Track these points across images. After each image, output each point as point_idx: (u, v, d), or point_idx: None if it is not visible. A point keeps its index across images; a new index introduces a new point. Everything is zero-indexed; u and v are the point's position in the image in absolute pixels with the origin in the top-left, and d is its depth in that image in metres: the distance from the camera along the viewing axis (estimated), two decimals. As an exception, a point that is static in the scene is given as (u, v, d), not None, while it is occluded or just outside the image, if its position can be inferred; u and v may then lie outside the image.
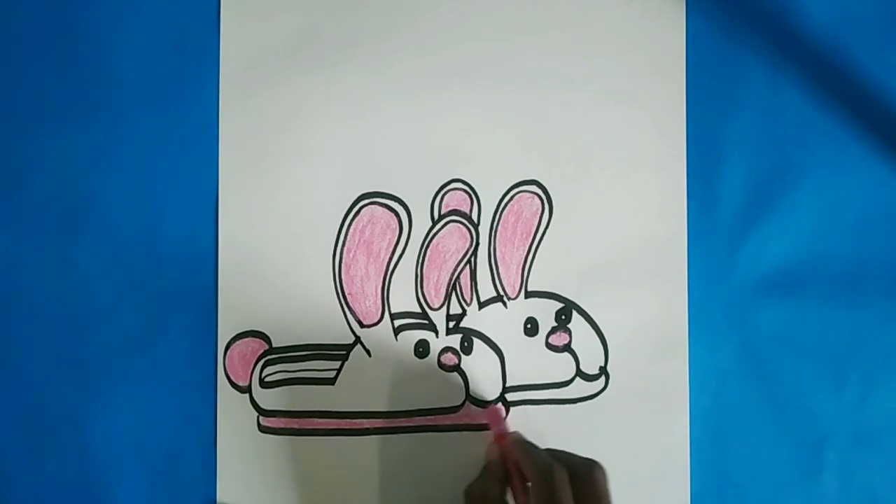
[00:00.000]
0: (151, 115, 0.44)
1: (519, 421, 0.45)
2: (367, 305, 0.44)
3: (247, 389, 0.44)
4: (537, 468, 0.39)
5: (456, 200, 0.45)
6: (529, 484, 0.40)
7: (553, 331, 0.45)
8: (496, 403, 0.45)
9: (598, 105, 0.46)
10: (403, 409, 0.44)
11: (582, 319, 0.45)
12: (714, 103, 0.46)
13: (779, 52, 0.46)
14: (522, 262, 0.45)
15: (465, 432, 0.45)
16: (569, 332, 0.45)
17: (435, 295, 0.45)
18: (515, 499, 0.41)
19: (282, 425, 0.44)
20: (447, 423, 0.45)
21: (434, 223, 0.45)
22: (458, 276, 0.45)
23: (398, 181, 0.45)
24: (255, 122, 0.44)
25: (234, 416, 0.44)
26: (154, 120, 0.44)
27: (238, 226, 0.44)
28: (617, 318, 0.46)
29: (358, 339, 0.44)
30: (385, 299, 0.44)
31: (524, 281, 0.45)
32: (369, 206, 0.45)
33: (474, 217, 0.45)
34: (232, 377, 0.44)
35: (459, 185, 0.45)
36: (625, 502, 0.45)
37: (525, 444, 0.42)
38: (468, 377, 0.45)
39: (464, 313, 0.45)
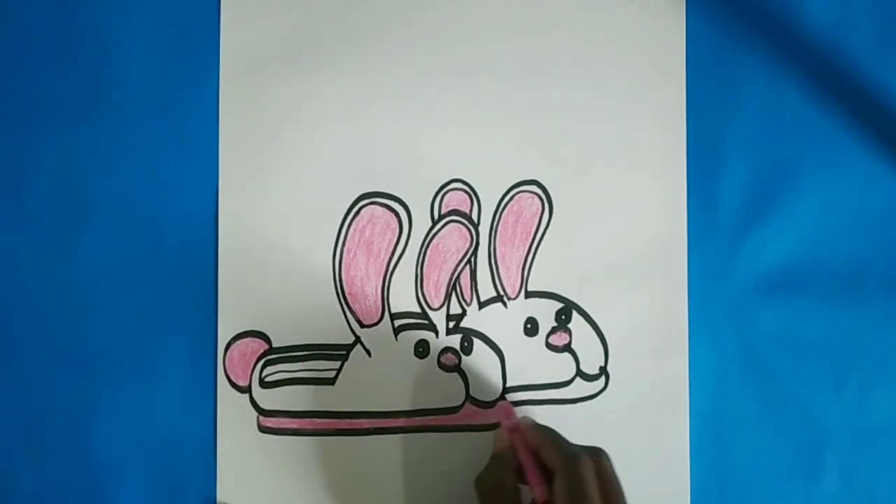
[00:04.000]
0: (151, 115, 0.44)
1: (519, 421, 0.45)
2: (367, 305, 0.44)
3: (247, 389, 0.44)
4: (564, 457, 0.37)
5: (456, 200, 0.45)
6: (556, 473, 0.38)
7: (553, 331, 0.45)
8: (502, 401, 0.44)
9: (599, 105, 0.46)
10: (403, 409, 0.44)
11: (582, 319, 0.45)
12: (714, 103, 0.46)
13: (779, 52, 0.46)
14: (522, 262, 0.45)
15: (465, 432, 0.45)
16: (569, 332, 0.45)
17: (435, 295, 0.45)
18: (533, 489, 0.39)
19: (282, 425, 0.44)
20: (447, 423, 0.45)
21: (434, 223, 0.45)
22: (458, 276, 0.45)
23: (398, 181, 0.45)
24: (255, 122, 0.44)
25: (234, 416, 0.44)
26: (154, 120, 0.44)
27: (238, 226, 0.44)
28: (617, 318, 0.46)
29: (358, 339, 0.44)
30: (385, 299, 0.44)
31: (524, 281, 0.45)
32: (369, 206, 0.44)
33: (474, 217, 0.45)
34: (232, 377, 0.44)
35: (459, 185, 0.45)
36: (625, 502, 0.45)
37: (546, 431, 0.40)
38: (468, 377, 0.45)
39: (464, 313, 0.45)
